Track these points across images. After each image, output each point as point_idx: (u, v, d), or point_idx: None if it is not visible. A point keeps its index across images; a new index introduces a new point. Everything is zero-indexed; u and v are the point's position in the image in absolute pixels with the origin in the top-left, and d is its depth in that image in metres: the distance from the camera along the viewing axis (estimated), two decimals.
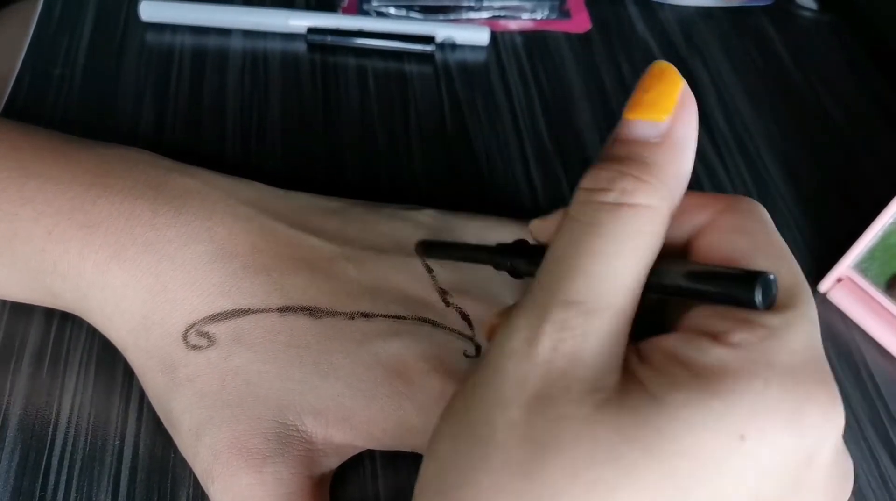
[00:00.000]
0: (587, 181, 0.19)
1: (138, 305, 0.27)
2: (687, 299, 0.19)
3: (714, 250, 0.20)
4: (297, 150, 0.38)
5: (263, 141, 0.39)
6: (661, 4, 0.48)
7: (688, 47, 0.46)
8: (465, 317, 0.28)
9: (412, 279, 0.28)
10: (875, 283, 0.34)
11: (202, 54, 0.42)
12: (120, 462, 0.28)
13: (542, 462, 0.17)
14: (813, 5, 0.49)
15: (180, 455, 0.27)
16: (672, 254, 0.20)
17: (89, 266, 0.27)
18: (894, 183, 0.39)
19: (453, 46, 0.44)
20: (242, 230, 0.28)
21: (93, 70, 0.41)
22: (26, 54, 0.41)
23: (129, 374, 0.29)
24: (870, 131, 0.42)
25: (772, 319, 0.18)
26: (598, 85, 0.43)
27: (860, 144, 0.42)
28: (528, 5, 0.46)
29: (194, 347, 0.26)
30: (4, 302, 0.31)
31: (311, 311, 0.27)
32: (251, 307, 0.27)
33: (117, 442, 0.28)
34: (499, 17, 0.46)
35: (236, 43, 0.43)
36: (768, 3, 0.49)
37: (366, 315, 0.27)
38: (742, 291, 0.17)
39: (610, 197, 0.19)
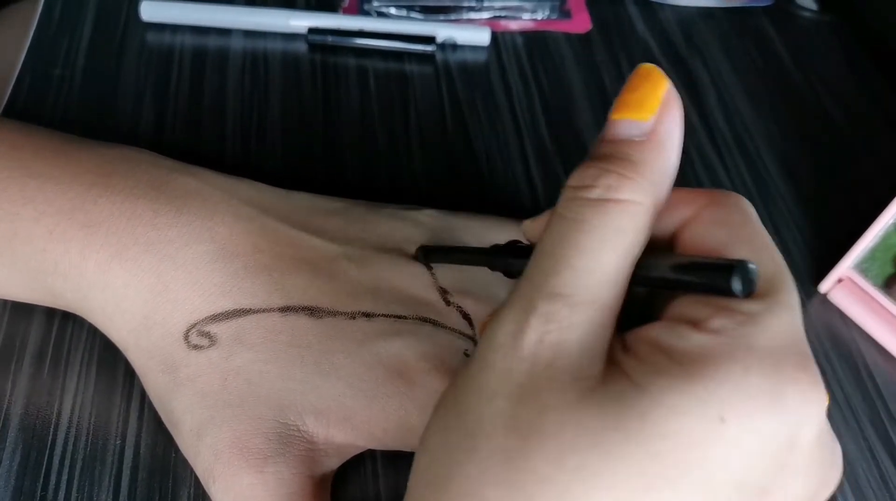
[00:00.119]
0: (573, 179, 0.20)
1: (139, 305, 0.27)
2: (672, 290, 0.19)
3: (697, 242, 0.20)
4: (297, 150, 0.38)
5: (263, 141, 0.39)
6: (662, 5, 0.48)
7: (688, 47, 0.46)
8: (465, 317, 0.28)
9: (413, 279, 0.28)
10: (875, 283, 0.34)
11: (202, 54, 0.42)
12: (121, 461, 0.28)
13: (527, 450, 0.17)
14: (813, 6, 0.49)
15: (181, 454, 0.27)
16: (659, 247, 0.20)
17: (90, 266, 0.27)
18: (894, 183, 0.39)
19: (454, 47, 0.44)
20: (244, 230, 0.28)
21: (93, 70, 0.41)
22: (26, 55, 0.41)
23: (130, 374, 0.29)
24: (870, 131, 0.42)
25: (751, 305, 0.18)
26: (598, 85, 0.43)
27: (860, 144, 0.42)
28: (528, 5, 0.46)
29: (196, 347, 0.26)
30: (5, 302, 0.31)
31: (312, 311, 0.27)
32: (252, 307, 0.27)
33: (118, 442, 0.28)
34: (499, 17, 0.46)
35: (237, 43, 0.43)
36: (768, 3, 0.49)
37: (367, 315, 0.27)
38: (721, 279, 0.18)
39: (594, 193, 0.19)
